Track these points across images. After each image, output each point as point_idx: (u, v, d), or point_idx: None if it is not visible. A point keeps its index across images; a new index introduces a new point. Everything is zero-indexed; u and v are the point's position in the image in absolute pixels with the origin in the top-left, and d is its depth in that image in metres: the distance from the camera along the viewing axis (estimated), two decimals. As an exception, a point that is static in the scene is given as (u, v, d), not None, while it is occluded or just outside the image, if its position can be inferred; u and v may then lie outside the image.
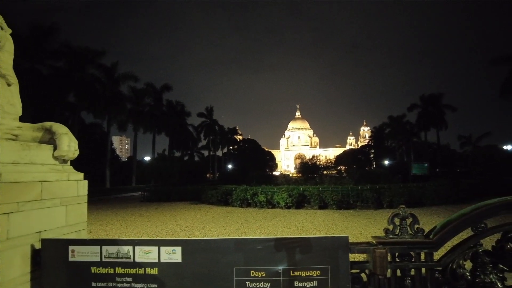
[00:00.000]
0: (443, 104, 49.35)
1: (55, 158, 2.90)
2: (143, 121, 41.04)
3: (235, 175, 32.76)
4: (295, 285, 2.21)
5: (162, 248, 2.27)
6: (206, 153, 58.37)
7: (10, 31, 3.00)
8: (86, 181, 3.16)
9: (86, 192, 3.14)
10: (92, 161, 36.19)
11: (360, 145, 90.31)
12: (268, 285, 2.21)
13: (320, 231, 9.25)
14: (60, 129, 2.96)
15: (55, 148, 2.89)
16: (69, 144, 2.91)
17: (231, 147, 68.40)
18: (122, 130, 41.05)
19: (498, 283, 2.13)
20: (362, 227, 9.73)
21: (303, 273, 2.22)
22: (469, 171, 33.42)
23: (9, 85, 3.00)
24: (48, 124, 3.00)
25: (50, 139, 2.92)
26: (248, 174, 28.14)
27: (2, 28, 2.88)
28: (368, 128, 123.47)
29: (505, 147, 38.02)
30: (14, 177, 2.37)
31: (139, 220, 12.55)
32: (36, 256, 2.39)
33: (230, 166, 51.93)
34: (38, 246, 2.38)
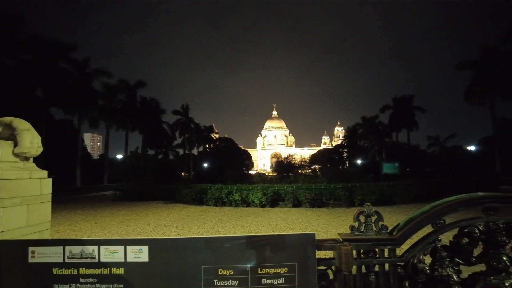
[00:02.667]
0: (414, 105, 51.19)
1: (16, 155, 2.77)
2: (116, 118, 39.94)
3: (211, 174, 32.57)
4: (263, 283, 2.23)
5: (128, 247, 2.22)
6: (181, 151, 57.56)
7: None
8: (50, 179, 3.04)
9: (50, 191, 3.02)
10: (62, 159, 34.86)
11: (334, 145, 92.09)
12: (236, 283, 2.21)
13: (293, 229, 9.37)
14: (21, 125, 2.83)
15: (16, 145, 2.76)
16: (31, 141, 2.79)
17: (207, 146, 67.79)
18: (94, 127, 39.75)
19: (454, 276, 2.25)
20: (334, 225, 9.94)
21: (271, 271, 2.25)
22: (437, 170, 34.89)
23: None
24: (8, 119, 2.86)
25: (11, 135, 2.79)
26: (224, 173, 28.05)
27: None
28: (342, 128, 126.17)
29: (469, 148, 39.98)
30: (-31, 175, 2.25)
31: (110, 219, 12.22)
32: None
33: (206, 165, 51.50)
34: None
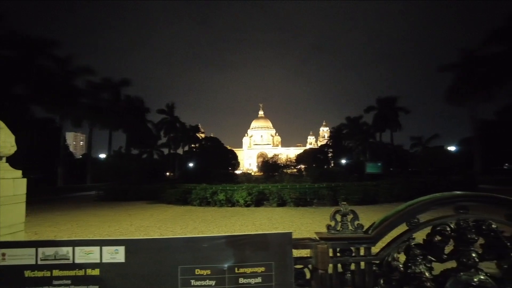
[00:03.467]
0: (398, 106, 52.11)
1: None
2: (99, 117, 39.18)
3: (196, 174, 32.36)
4: (240, 282, 2.24)
5: (104, 248, 2.20)
6: (166, 151, 56.92)
7: None
8: (25, 179, 2.97)
9: (24, 191, 2.95)
10: (44, 159, 33.99)
11: (319, 145, 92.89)
12: (213, 283, 2.22)
13: (277, 228, 9.41)
14: (-7, 123, 2.75)
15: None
16: (4, 140, 2.73)
17: (192, 145, 67.28)
18: (76, 126, 38.96)
19: (427, 273, 2.31)
20: (317, 224, 10.04)
21: (248, 270, 2.26)
22: (420, 170, 35.66)
23: None
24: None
25: (-17, 134, 2.71)
26: (210, 173, 27.92)
27: None
28: (327, 128, 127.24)
29: (450, 148, 41.04)
30: None
31: (92, 220, 12.00)
32: None
33: (191, 165, 51.10)
34: None
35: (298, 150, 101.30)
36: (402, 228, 2.46)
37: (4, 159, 2.84)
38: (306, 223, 10.27)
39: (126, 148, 44.60)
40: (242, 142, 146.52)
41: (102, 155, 42.82)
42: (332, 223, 2.49)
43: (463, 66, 36.67)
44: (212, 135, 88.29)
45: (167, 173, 50.50)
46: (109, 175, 27.54)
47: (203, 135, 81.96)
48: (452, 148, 41.35)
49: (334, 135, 66.97)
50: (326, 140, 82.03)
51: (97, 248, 2.22)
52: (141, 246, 2.24)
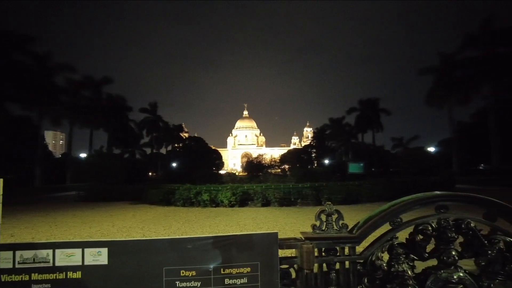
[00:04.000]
0: (379, 108, 53.26)
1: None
2: (79, 115, 38.31)
3: (180, 174, 32.02)
4: (226, 283, 2.23)
5: (86, 250, 2.15)
6: (149, 150, 56.17)
7: None
8: (1, 180, 2.85)
9: (0, 191, 2.83)
10: (20, 158, 32.91)
11: (303, 145, 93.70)
12: (199, 284, 2.20)
13: (262, 228, 9.43)
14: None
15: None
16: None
17: (176, 145, 66.61)
18: (56, 125, 37.95)
19: (409, 271, 2.36)
20: (301, 223, 10.12)
21: (234, 270, 2.25)
22: (401, 170, 36.48)
23: None
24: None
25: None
26: (193, 173, 27.69)
27: None
28: (311, 129, 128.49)
29: (429, 149, 42.19)
30: None
31: (72, 221, 11.70)
32: None
33: (175, 165, 50.59)
34: None
35: (282, 150, 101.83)
36: (385, 227, 2.51)
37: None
38: (290, 223, 10.33)
39: (107, 147, 43.75)
40: (226, 142, 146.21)
41: (83, 155, 41.84)
42: (317, 223, 2.51)
43: (441, 69, 37.83)
44: (196, 135, 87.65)
45: (150, 173, 49.85)
46: (90, 175, 26.92)
47: (187, 135, 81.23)
48: (432, 149, 42.54)
49: (318, 135, 67.73)
50: (309, 141, 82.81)
51: (78, 250, 2.17)
52: (124, 247, 2.20)
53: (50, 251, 2.19)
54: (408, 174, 29.46)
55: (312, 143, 70.47)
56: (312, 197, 15.77)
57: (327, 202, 2.62)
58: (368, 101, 53.51)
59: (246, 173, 36.56)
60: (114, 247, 2.18)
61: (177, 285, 2.23)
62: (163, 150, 62.90)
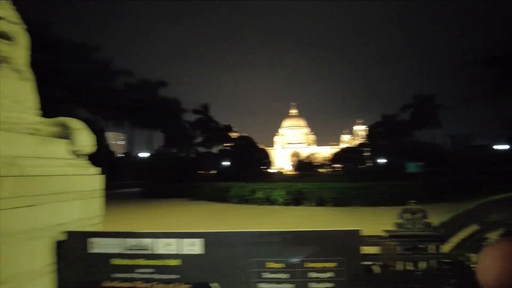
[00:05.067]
0: (436, 103, 49.92)
1: (72, 152, 2.95)
2: (138, 118, 40.85)
3: (230, 172, 32.83)
4: (310, 276, 2.31)
5: (182, 240, 2.35)
6: (201, 149, 58.17)
7: (25, 26, 3.04)
8: (103, 176, 3.22)
9: (102, 186, 3.20)
10: (90, 158, 35.88)
11: (354, 144, 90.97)
12: (284, 276, 2.31)
13: (320, 228, 9.37)
14: (76, 124, 3.01)
15: (71, 143, 2.94)
16: (86, 139, 2.98)
17: (226, 144, 68.23)
18: (117, 126, 40.87)
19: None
20: (358, 224, 9.87)
21: (318, 265, 2.33)
22: (461, 169, 33.95)
23: (25, 80, 3.05)
24: (63, 119, 3.06)
25: (66, 134, 2.97)
26: (243, 171, 28.22)
27: (16, 23, 2.92)
28: (363, 126, 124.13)
29: (495, 147, 38.70)
30: (35, 171, 2.42)
31: (147, 213, 12.65)
32: (57, 248, 2.44)
33: (225, 163, 51.88)
34: (58, 238, 2.43)
35: (332, 149, 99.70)
36: (473, 227, 2.42)
37: (85, 157, 3.09)
38: (349, 223, 10.16)
39: (164, 147, 46.18)
40: (274, 141, 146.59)
41: (142, 154, 44.55)
42: (401, 221, 2.49)
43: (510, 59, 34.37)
44: (244, 134, 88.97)
45: (203, 171, 51.63)
46: (149, 173, 28.62)
47: (235, 134, 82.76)
48: (499, 147, 38.97)
49: (370, 133, 65.27)
50: (361, 139, 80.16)
51: (176, 240, 2.37)
52: (218, 238, 2.36)
53: (150, 240, 2.42)
54: (473, 174, 27.31)
55: (364, 141, 68.08)
56: (369, 197, 15.28)
57: (411, 201, 2.59)
58: (423, 96, 50.47)
59: (295, 172, 36.43)
60: (208, 238, 2.35)
61: (263, 276, 2.35)
62: (214, 150, 64.77)
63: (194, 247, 2.33)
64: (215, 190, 17.74)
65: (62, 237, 2.41)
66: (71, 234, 2.47)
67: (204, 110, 57.12)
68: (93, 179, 3.07)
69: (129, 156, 42.81)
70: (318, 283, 2.36)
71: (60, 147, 2.84)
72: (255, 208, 14.67)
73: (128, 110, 39.15)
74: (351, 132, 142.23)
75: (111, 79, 37.19)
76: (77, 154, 2.99)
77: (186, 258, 2.32)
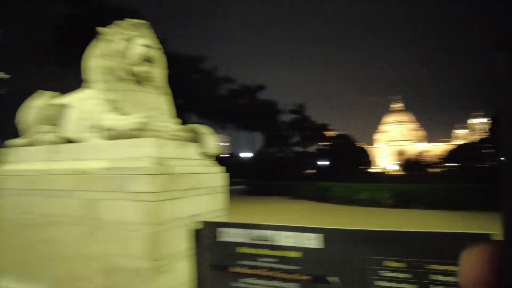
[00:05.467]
0: None
1: (201, 154, 3.43)
2: (241, 121, 43.67)
3: (329, 172, 32.36)
4: (431, 278, 2.23)
5: (303, 234, 2.50)
6: (298, 149, 58.74)
7: (163, 49, 3.66)
8: (228, 174, 3.65)
9: (226, 183, 3.63)
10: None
11: (470, 140, 79.75)
12: (402, 275, 2.28)
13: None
14: (204, 130, 3.51)
15: (200, 146, 3.43)
16: (213, 142, 3.44)
17: (322, 143, 67.38)
18: (223, 129, 44.37)
19: None
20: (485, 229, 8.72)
21: (440, 267, 2.22)
22: None
23: (164, 95, 3.67)
24: (193, 126, 3.58)
25: (196, 138, 3.47)
26: (341, 171, 27.52)
27: (157, 49, 3.53)
28: (483, 119, 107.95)
29: None
30: (177, 170, 2.91)
31: (256, 208, 13.67)
32: (194, 235, 2.86)
33: (322, 163, 51.34)
34: (195, 226, 2.84)
35: (443, 146, 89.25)
36: None
37: (212, 158, 3.57)
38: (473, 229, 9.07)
39: (263, 147, 48.22)
40: (375, 138, 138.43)
41: (243, 154, 47.33)
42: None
43: None
44: (340, 133, 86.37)
45: (301, 171, 52.01)
46: (252, 172, 30.22)
47: (332, 133, 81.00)
48: None
49: (493, 127, 56.28)
50: (479, 134, 69.80)
51: (297, 234, 2.54)
52: (337, 235, 2.45)
53: (272, 232, 2.64)
54: None
55: (484, 136, 59.12)
56: (490, 200, 13.23)
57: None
58: None
59: (402, 172, 33.78)
60: (328, 234, 2.46)
61: (379, 274, 2.35)
62: (311, 149, 64.61)
63: (313, 241, 2.47)
64: (316, 190, 17.74)
65: (198, 226, 2.83)
66: (205, 223, 2.89)
67: (300, 110, 57.57)
68: (218, 177, 3.52)
69: (233, 156, 45.88)
70: (442, 286, 2.26)
71: (192, 150, 3.34)
72: (360, 209, 14.20)
73: (232, 114, 42.10)
74: (467, 127, 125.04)
75: (216, 86, 40.55)
76: (206, 155, 3.46)
77: (306, 251, 2.47)
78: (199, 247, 2.84)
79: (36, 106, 3.84)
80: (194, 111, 38.45)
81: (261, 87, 46.86)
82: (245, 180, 28.75)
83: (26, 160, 3.69)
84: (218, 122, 41.58)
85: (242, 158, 44.62)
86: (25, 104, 4.02)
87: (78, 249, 3.03)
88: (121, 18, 3.50)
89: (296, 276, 2.55)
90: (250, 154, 43.39)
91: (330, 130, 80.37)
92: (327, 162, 48.97)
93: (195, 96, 36.54)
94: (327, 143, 66.55)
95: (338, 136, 73.71)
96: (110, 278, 2.80)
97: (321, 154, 58.11)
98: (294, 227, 2.65)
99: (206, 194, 3.28)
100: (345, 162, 43.12)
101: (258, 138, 51.47)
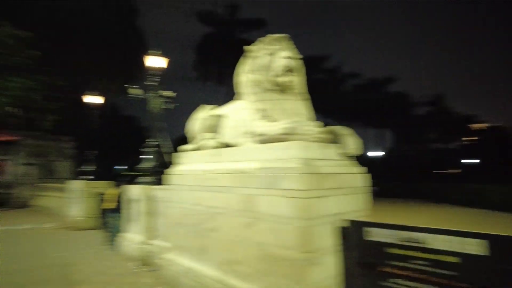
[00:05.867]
0: None
1: (342, 155, 3.55)
2: (367, 117, 41.58)
3: (479, 172, 27.75)
4: None
5: (463, 239, 2.33)
6: (436, 146, 52.04)
7: (302, 58, 3.94)
8: (369, 175, 3.68)
9: (367, 183, 3.65)
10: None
11: None
12: None
13: None
14: (344, 131, 3.62)
15: (340, 147, 3.55)
16: (353, 143, 3.52)
17: (468, 138, 57.80)
18: (348, 126, 43.20)
19: None
20: None
21: None
22: None
23: (305, 100, 3.94)
24: (332, 127, 3.73)
25: (336, 139, 3.60)
26: (497, 170, 23.21)
27: (297, 59, 3.81)
28: None
29: None
30: (322, 170, 3.11)
31: (389, 211, 13.06)
32: (339, 232, 2.98)
33: (468, 161, 44.31)
34: (340, 224, 2.96)
35: None
36: None
37: (353, 158, 3.65)
38: None
39: (395, 145, 44.77)
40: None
41: (371, 153, 44.82)
42: None
43: None
44: (493, 125, 72.30)
45: (441, 170, 46.09)
46: (382, 172, 28.47)
47: (481, 125, 68.54)
48: None
49: None
50: None
51: (455, 238, 2.40)
52: (507, 242, 2.23)
53: (425, 235, 2.56)
54: None
55: None
56: None
57: None
58: None
59: None
60: (495, 241, 2.25)
61: None
62: (452, 145, 56.41)
63: (475, 247, 2.29)
64: (463, 193, 15.34)
65: (344, 224, 2.95)
66: (352, 222, 2.99)
67: (436, 101, 51.05)
68: (359, 177, 3.57)
69: (361, 156, 44.14)
70: None
71: (333, 151, 3.49)
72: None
73: (358, 111, 40.61)
74: None
75: (342, 83, 39.92)
76: (346, 156, 3.57)
77: (466, 257, 2.31)
78: (345, 244, 2.99)
79: (199, 118, 4.67)
80: (319, 110, 38.69)
81: (390, 79, 43.60)
82: (376, 181, 27.25)
83: (195, 162, 4.52)
84: (343, 120, 40.68)
85: (370, 157, 42.38)
86: (191, 116, 4.92)
87: (238, 237, 3.56)
88: (251, 30, 3.95)
89: (453, 283, 2.42)
90: (380, 153, 40.90)
91: (477, 122, 68.43)
92: (476, 160, 41.95)
93: (319, 96, 36.77)
94: (474, 138, 56.96)
95: (489, 129, 62.22)
96: (266, 265, 3.21)
97: (467, 151, 50.17)
98: (451, 230, 2.53)
99: (348, 194, 3.39)
100: (501, 160, 36.04)
101: (388, 135, 48.06)
